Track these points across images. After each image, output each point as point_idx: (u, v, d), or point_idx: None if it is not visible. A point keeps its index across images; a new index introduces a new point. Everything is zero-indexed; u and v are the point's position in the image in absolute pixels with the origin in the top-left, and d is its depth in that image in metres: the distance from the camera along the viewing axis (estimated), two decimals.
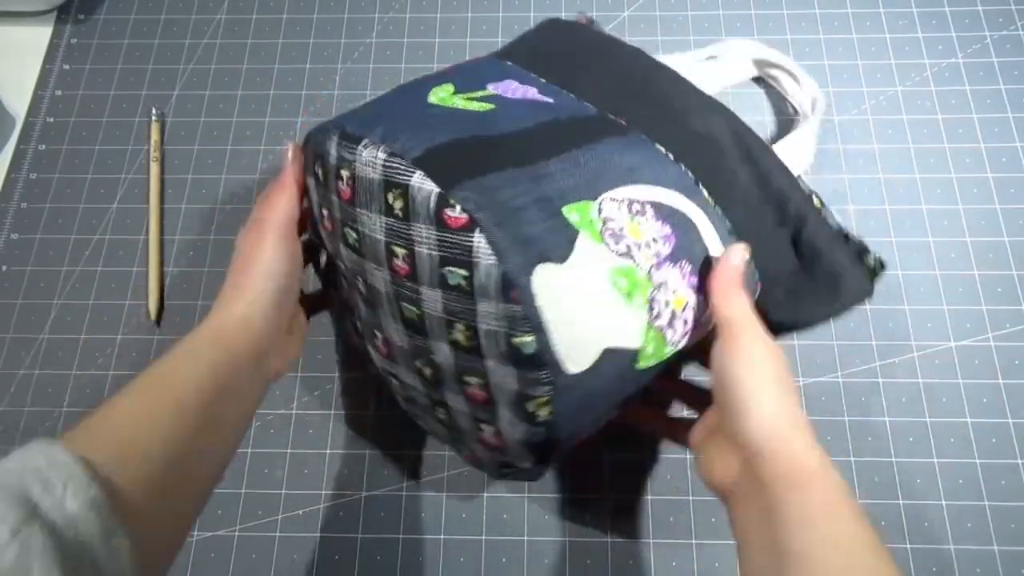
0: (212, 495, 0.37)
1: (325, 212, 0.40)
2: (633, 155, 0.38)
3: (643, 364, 0.36)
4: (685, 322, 0.37)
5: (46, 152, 0.62)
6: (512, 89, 0.41)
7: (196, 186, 0.60)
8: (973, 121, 0.59)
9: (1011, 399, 0.51)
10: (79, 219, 0.59)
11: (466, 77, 0.42)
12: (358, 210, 0.37)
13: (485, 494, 0.50)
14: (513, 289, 0.32)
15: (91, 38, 0.66)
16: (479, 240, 0.32)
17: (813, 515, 0.30)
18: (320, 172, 0.39)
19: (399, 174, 0.34)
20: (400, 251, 0.35)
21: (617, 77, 0.44)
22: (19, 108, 0.64)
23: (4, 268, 0.58)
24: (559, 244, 0.33)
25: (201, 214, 0.59)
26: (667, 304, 0.36)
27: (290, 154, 0.42)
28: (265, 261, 0.40)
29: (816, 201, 0.41)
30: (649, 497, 0.49)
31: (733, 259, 0.37)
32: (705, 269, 0.38)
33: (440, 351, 0.37)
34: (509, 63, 0.45)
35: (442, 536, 0.49)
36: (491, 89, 0.41)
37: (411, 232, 0.34)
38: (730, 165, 0.40)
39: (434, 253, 0.34)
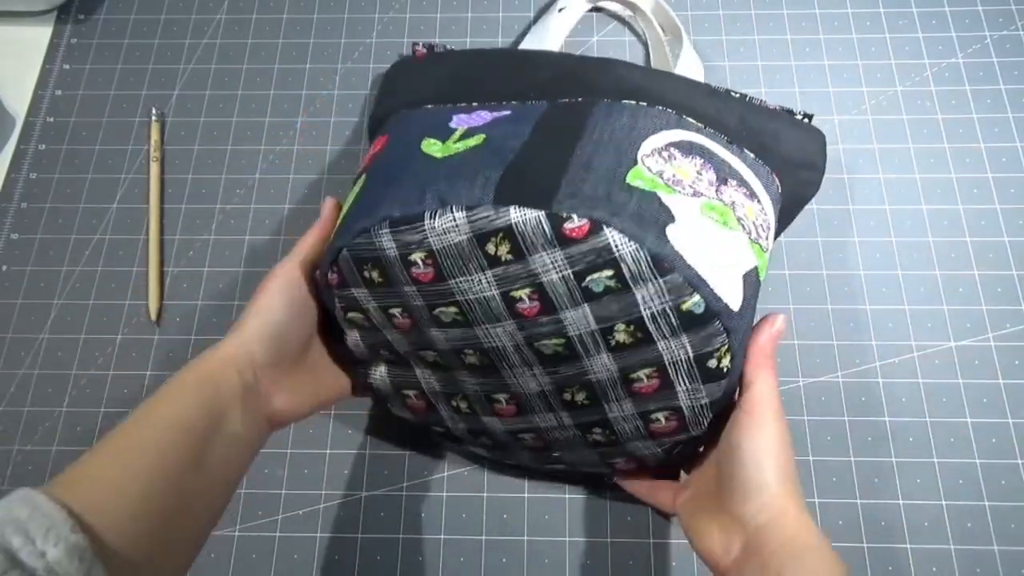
0: (207, 538, 0.36)
1: (396, 312, 0.38)
2: (619, 117, 0.39)
3: (762, 276, 0.39)
4: (765, 227, 0.39)
5: (46, 152, 0.62)
6: (475, 118, 0.41)
7: (196, 186, 0.60)
8: (973, 121, 0.59)
9: (1011, 399, 0.51)
10: (79, 219, 0.59)
11: (430, 129, 0.42)
12: (451, 282, 0.35)
13: (485, 494, 0.50)
14: (663, 261, 0.33)
15: (91, 38, 0.66)
16: (612, 235, 0.33)
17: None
18: (375, 275, 0.37)
19: (492, 220, 0.34)
20: (522, 292, 0.35)
21: (530, 76, 0.45)
22: (19, 108, 0.64)
23: (4, 268, 0.58)
24: (657, 209, 0.34)
25: (201, 214, 0.59)
26: (746, 217, 0.38)
27: (325, 211, 0.45)
28: (261, 302, 0.40)
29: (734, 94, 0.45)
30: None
31: (774, 326, 0.39)
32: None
33: (596, 366, 0.37)
34: (438, 107, 0.45)
35: (442, 536, 0.49)
36: (462, 126, 0.41)
37: (531, 267, 0.34)
38: (679, 95, 0.42)
39: (566, 273, 0.34)
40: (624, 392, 0.37)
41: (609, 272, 0.33)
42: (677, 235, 0.34)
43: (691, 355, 0.35)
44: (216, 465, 0.35)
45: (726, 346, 0.35)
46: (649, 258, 0.33)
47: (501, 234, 0.34)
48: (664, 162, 0.37)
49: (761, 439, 0.35)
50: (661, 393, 0.37)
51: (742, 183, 0.39)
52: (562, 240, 0.33)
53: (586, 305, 0.34)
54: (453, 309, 0.36)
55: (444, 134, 0.40)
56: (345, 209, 0.41)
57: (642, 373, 0.36)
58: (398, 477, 0.51)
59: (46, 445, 0.52)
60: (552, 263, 0.33)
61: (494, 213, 0.33)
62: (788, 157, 0.43)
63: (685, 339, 0.35)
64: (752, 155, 0.41)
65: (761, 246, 0.39)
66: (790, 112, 0.45)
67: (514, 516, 0.49)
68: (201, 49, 0.65)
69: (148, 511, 0.31)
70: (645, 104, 0.40)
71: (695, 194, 0.36)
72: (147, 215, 0.59)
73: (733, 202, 0.38)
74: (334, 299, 0.40)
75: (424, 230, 0.35)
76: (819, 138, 0.44)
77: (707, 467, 0.40)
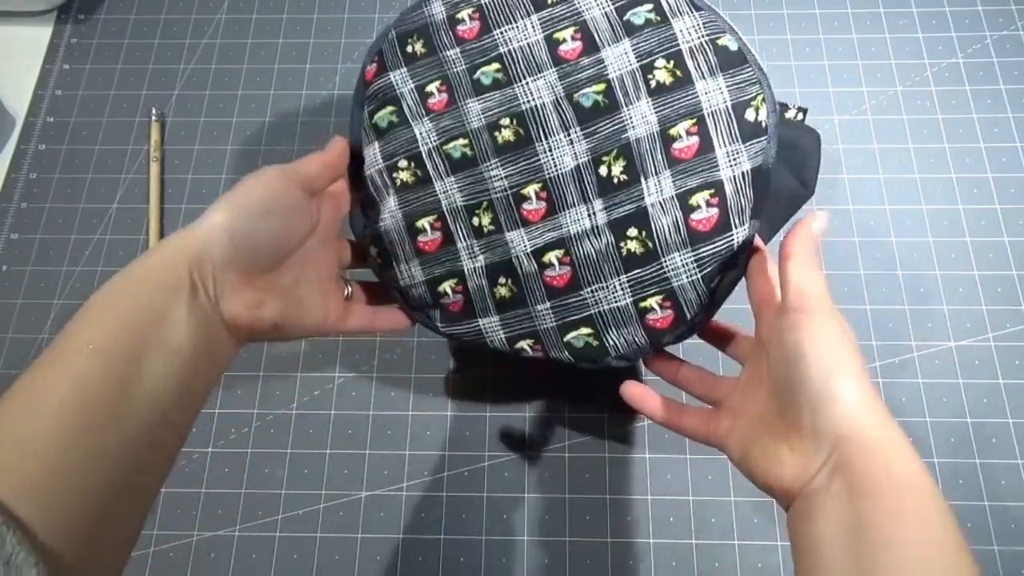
0: (153, 500, 0.32)
1: (433, 88, 0.40)
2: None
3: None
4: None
5: (46, 152, 0.62)
6: None
7: (196, 186, 0.60)
8: (973, 121, 0.59)
9: (1011, 399, 0.51)
10: (79, 219, 0.59)
11: None
12: (497, 32, 0.39)
13: (485, 494, 0.50)
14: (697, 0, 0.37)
15: (91, 38, 0.66)
16: None
17: (913, 512, 0.28)
18: (418, 47, 0.40)
19: None
20: (565, 33, 0.38)
21: None
22: (19, 108, 0.64)
23: (4, 268, 0.58)
24: None
25: (201, 214, 0.59)
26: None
27: (335, 146, 0.41)
28: (237, 194, 0.35)
29: None
30: (649, 497, 0.49)
31: (814, 225, 0.34)
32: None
33: (636, 118, 0.37)
34: None
35: (442, 536, 0.49)
36: None
37: (575, 6, 0.37)
38: None
39: (608, 8, 0.37)
40: (664, 159, 0.37)
41: (649, 6, 0.37)
42: None
43: (728, 102, 0.36)
44: (157, 388, 0.29)
45: (761, 95, 0.36)
46: None
47: None
48: None
49: (823, 337, 0.31)
50: (701, 159, 0.36)
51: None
52: None
53: (627, 40, 0.37)
54: (495, 66, 0.39)
55: None
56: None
57: (681, 128, 0.36)
58: (398, 477, 0.51)
59: None
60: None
61: None
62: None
63: (722, 80, 0.36)
64: None
65: None
66: (784, 106, 0.45)
67: (514, 516, 0.49)
68: (201, 49, 0.65)
69: (69, 471, 0.26)
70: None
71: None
72: (147, 215, 0.59)
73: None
74: (364, 102, 0.42)
75: None
76: (813, 135, 0.44)
77: (754, 385, 0.35)
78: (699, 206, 0.36)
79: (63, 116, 0.63)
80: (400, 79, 0.40)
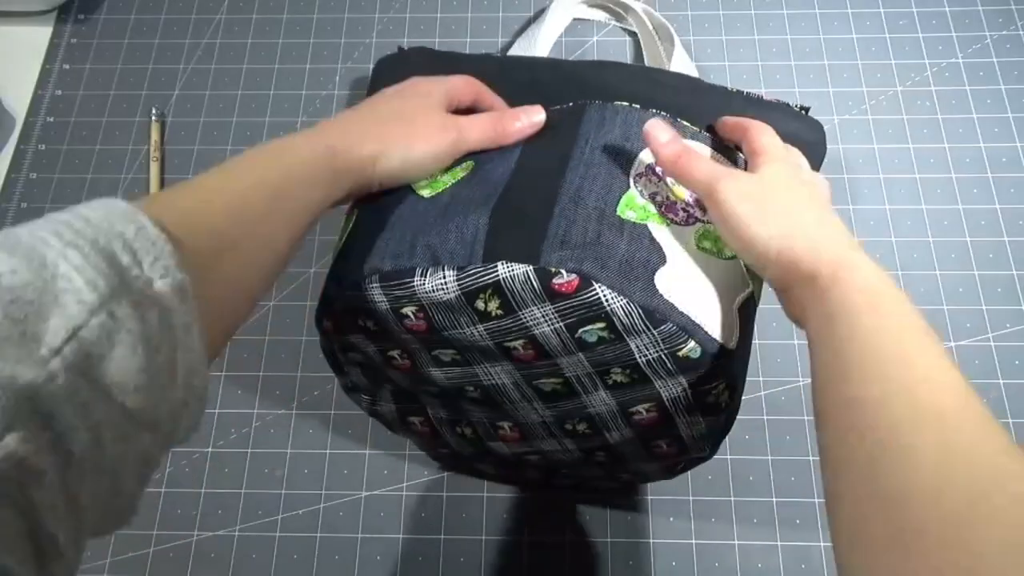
0: (269, 287, 0.36)
1: (395, 354, 0.38)
2: (611, 127, 0.38)
3: (758, 299, 0.38)
4: None
5: (46, 152, 0.62)
6: None
7: None
8: (973, 121, 0.59)
9: (1011, 399, 0.51)
10: None
11: None
12: (445, 333, 0.35)
13: (485, 494, 0.50)
14: (655, 313, 0.32)
15: (91, 38, 0.66)
16: (602, 290, 0.32)
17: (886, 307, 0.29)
18: (369, 324, 0.37)
19: (480, 278, 0.33)
20: (516, 343, 0.35)
21: (517, 77, 0.44)
22: (19, 108, 0.64)
23: None
24: (648, 249, 0.34)
25: None
26: None
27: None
28: (416, 149, 0.38)
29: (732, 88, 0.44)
30: (649, 497, 0.49)
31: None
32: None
33: (595, 402, 0.37)
34: None
35: (442, 536, 0.49)
36: None
37: (522, 321, 0.34)
38: (673, 94, 0.41)
39: (558, 325, 0.33)
40: (624, 423, 0.37)
41: (601, 324, 0.33)
42: (668, 280, 0.33)
43: (689, 393, 0.35)
44: (287, 222, 0.34)
45: (724, 384, 0.35)
46: (641, 311, 0.32)
47: (490, 290, 0.33)
48: (657, 181, 0.37)
49: (778, 175, 0.34)
50: (661, 425, 0.37)
51: None
52: (551, 295, 0.32)
53: (580, 353, 0.34)
54: (450, 352, 0.37)
55: None
56: (339, 242, 0.39)
57: (641, 408, 0.36)
58: (398, 477, 0.51)
59: None
60: (543, 316, 0.33)
61: (482, 270, 0.33)
62: None
63: (682, 379, 0.34)
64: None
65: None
66: (787, 105, 0.44)
67: (514, 516, 0.49)
68: (201, 49, 0.65)
69: (227, 244, 0.30)
70: (638, 107, 0.39)
71: (688, 220, 0.36)
72: None
73: None
74: (331, 343, 0.40)
75: (413, 287, 0.34)
76: (818, 128, 0.43)
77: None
78: (660, 446, 0.39)
79: (63, 116, 0.63)
80: (360, 341, 0.38)
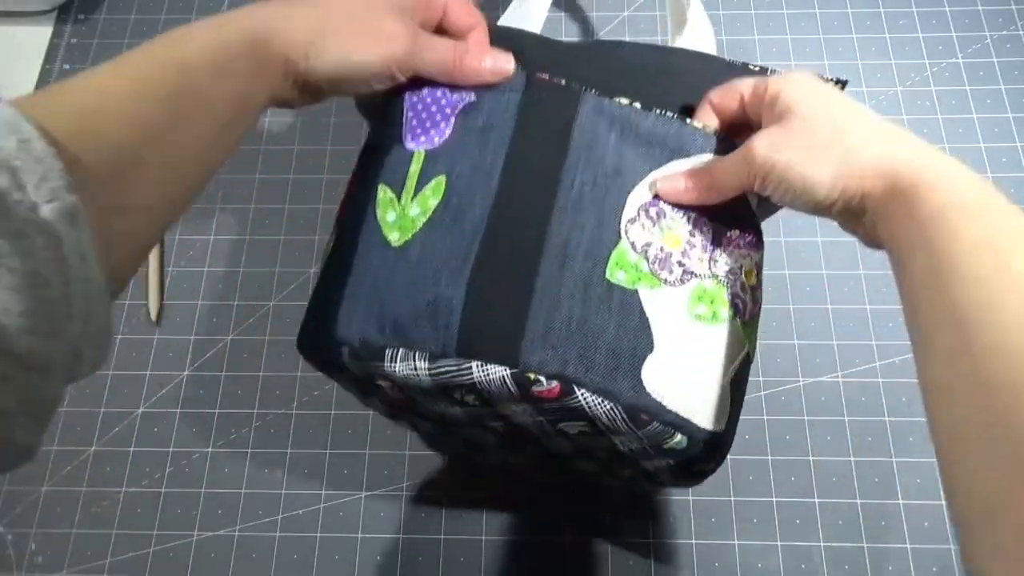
0: (188, 205, 0.31)
1: (383, 385, 0.35)
2: (604, 147, 0.33)
3: (753, 355, 0.35)
4: (760, 285, 0.35)
5: None
6: (435, 128, 0.35)
7: None
8: (973, 121, 0.59)
9: None
10: None
11: (389, 169, 0.35)
12: (422, 402, 0.34)
13: (485, 494, 0.50)
14: (641, 415, 0.30)
15: (91, 38, 0.66)
16: (584, 397, 0.30)
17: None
18: (349, 375, 0.35)
19: (453, 376, 0.30)
20: (497, 424, 0.34)
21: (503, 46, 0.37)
22: None
23: None
24: (637, 331, 0.31)
25: (201, 214, 0.59)
26: (743, 288, 0.33)
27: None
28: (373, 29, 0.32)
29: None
30: (649, 497, 0.49)
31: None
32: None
33: (581, 463, 0.38)
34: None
35: (442, 536, 0.49)
36: (419, 148, 0.35)
37: (500, 410, 0.32)
38: (684, 77, 0.36)
39: (540, 419, 0.32)
40: (613, 468, 0.39)
41: (583, 423, 0.31)
42: (657, 372, 0.31)
43: (673, 466, 0.34)
44: (217, 109, 0.30)
45: (713, 461, 0.33)
46: (624, 416, 0.30)
47: (465, 388, 0.31)
48: (651, 227, 0.33)
49: (820, 97, 0.30)
50: (649, 474, 0.37)
51: (741, 230, 0.34)
52: (531, 399, 0.30)
53: (562, 438, 0.34)
54: (436, 411, 0.36)
55: (400, 175, 0.35)
56: (320, 274, 0.36)
57: (626, 472, 0.37)
58: (398, 477, 0.51)
59: (46, 445, 0.52)
60: (523, 411, 0.32)
61: (455, 368, 0.30)
62: None
63: (668, 460, 0.33)
64: None
65: (757, 319, 0.35)
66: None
67: (514, 516, 0.49)
68: None
69: (126, 152, 0.26)
70: (638, 106, 0.34)
71: (683, 278, 0.32)
72: None
73: (728, 271, 0.33)
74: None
75: (383, 367, 0.31)
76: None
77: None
78: (655, 473, 0.38)
79: None
80: (345, 382, 0.37)
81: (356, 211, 0.35)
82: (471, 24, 0.36)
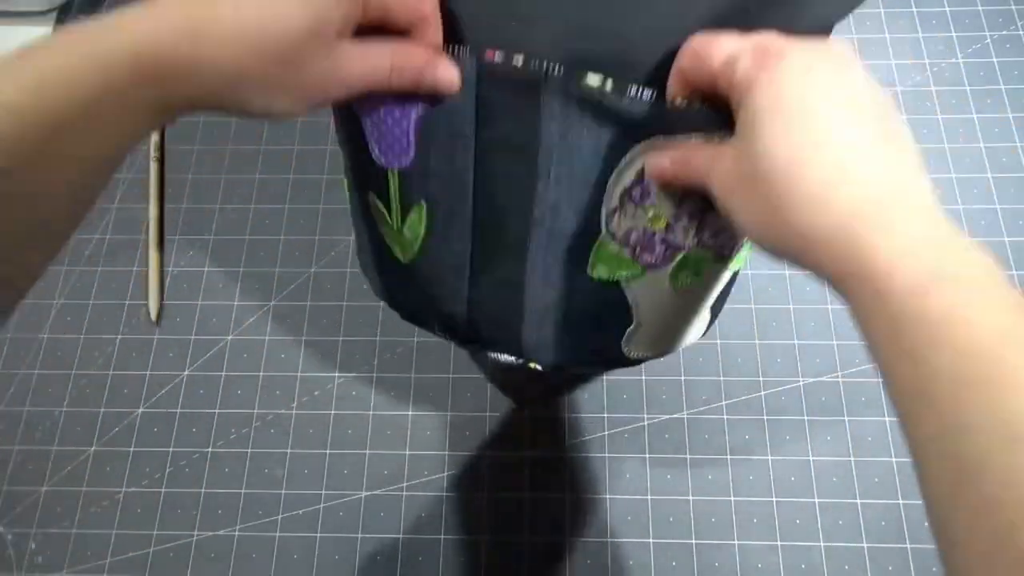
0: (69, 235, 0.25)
1: None
2: (578, 146, 0.29)
3: (744, 266, 0.37)
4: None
5: None
6: (395, 144, 0.31)
7: (196, 186, 0.60)
8: (973, 121, 0.59)
9: None
10: None
11: (372, 178, 0.33)
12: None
13: (485, 494, 0.50)
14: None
15: None
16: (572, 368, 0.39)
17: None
18: None
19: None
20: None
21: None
22: None
23: None
24: (620, 314, 0.33)
25: (201, 214, 0.59)
26: (731, 238, 0.31)
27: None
28: None
29: None
30: (649, 497, 0.49)
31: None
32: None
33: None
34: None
35: (442, 536, 0.49)
36: (392, 167, 0.32)
37: None
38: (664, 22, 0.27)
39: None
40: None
41: None
42: (638, 339, 0.34)
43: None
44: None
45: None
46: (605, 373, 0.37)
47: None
48: (634, 209, 0.30)
49: (797, 109, 0.21)
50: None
51: None
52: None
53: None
54: None
55: (384, 192, 0.33)
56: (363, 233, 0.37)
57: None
58: (398, 477, 0.51)
59: (46, 445, 0.52)
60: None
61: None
62: None
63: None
64: None
65: (742, 249, 0.33)
66: None
67: (514, 516, 0.49)
68: None
69: None
70: (611, 86, 0.27)
71: (666, 255, 0.31)
72: (147, 215, 0.59)
73: (714, 233, 0.31)
74: None
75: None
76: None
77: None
78: None
79: None
80: None
81: (359, 198, 0.36)
82: (421, 16, 0.27)
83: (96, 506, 0.51)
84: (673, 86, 0.26)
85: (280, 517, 0.50)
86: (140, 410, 0.53)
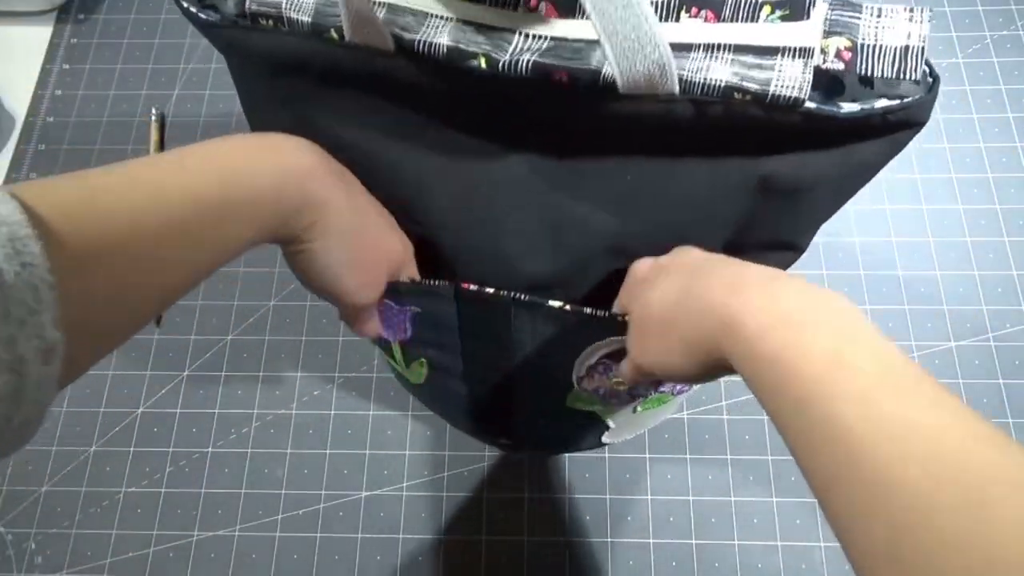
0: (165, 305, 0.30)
1: None
2: (546, 330, 0.35)
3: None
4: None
5: (46, 152, 0.62)
6: (396, 327, 0.38)
7: None
8: (973, 121, 0.59)
9: (1011, 399, 0.51)
10: None
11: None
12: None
13: (485, 494, 0.50)
14: None
15: (91, 38, 0.66)
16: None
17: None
18: None
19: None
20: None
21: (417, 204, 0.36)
22: (19, 108, 0.64)
23: None
24: (595, 426, 0.42)
25: None
26: (683, 389, 0.41)
27: None
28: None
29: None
30: (649, 497, 0.49)
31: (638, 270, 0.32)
32: None
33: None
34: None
35: (442, 536, 0.49)
36: (391, 338, 0.39)
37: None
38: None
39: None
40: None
41: None
42: (611, 434, 0.43)
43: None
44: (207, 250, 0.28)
45: None
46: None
47: None
48: (600, 376, 0.36)
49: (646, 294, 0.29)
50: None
51: None
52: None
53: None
54: None
55: (389, 349, 0.41)
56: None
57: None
58: (398, 477, 0.51)
59: (46, 445, 0.52)
60: None
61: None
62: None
63: None
64: None
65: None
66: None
67: (514, 516, 0.49)
68: (201, 49, 0.65)
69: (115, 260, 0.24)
70: (569, 308, 0.33)
71: (633, 396, 0.38)
72: None
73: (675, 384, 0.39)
74: None
75: None
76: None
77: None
78: None
79: (63, 116, 0.63)
80: None
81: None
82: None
83: (96, 506, 0.51)
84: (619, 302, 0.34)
85: (280, 517, 0.50)
86: (140, 410, 0.53)
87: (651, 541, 0.48)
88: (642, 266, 0.32)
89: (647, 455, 0.50)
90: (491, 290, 0.34)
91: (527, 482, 0.50)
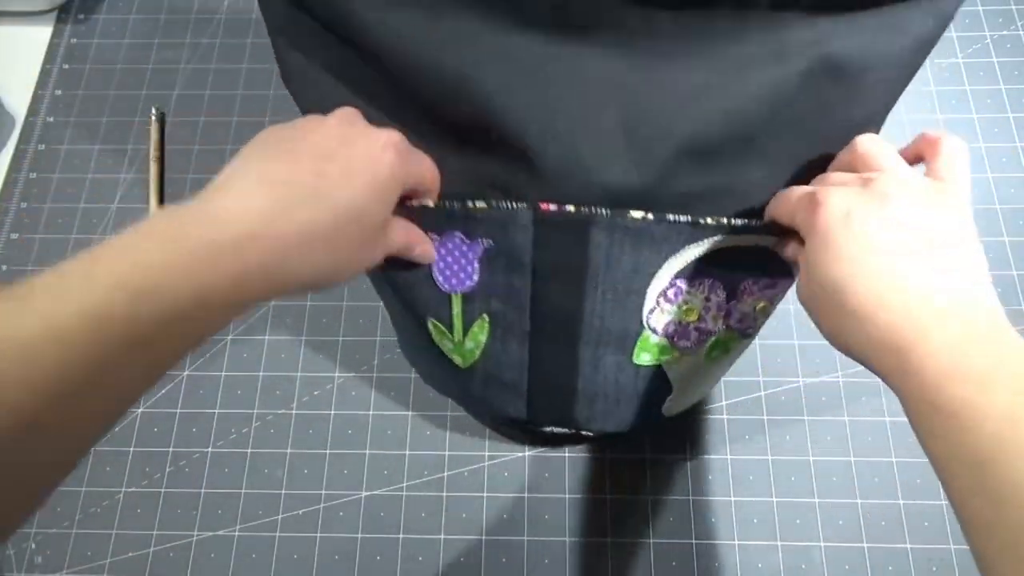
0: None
1: None
2: (620, 257, 0.35)
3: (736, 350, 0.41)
4: (775, 305, 0.38)
5: (46, 152, 0.62)
6: (460, 272, 0.37)
7: (196, 186, 0.60)
8: (973, 121, 0.59)
9: None
10: (79, 219, 0.59)
11: (433, 303, 0.38)
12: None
13: (485, 494, 0.50)
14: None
15: (91, 38, 0.66)
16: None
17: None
18: None
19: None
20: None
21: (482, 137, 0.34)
22: (19, 108, 0.64)
23: (4, 268, 0.58)
24: (660, 387, 0.39)
25: None
26: (755, 319, 0.38)
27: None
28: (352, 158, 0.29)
29: None
30: (649, 497, 0.49)
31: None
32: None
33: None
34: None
35: (442, 536, 0.49)
36: (453, 290, 0.37)
37: None
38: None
39: None
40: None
41: None
42: (672, 401, 0.40)
43: None
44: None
45: None
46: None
47: None
48: (670, 307, 0.36)
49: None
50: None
51: (758, 278, 0.36)
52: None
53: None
54: None
55: (446, 315, 0.38)
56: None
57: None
58: (398, 477, 0.51)
59: None
60: None
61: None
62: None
63: None
64: None
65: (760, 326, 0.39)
66: None
67: (514, 516, 0.49)
68: (201, 49, 0.65)
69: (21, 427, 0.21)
70: (651, 217, 0.33)
71: (700, 339, 0.37)
72: (147, 215, 0.59)
73: (741, 318, 0.37)
74: None
75: None
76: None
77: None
78: None
79: (63, 116, 0.63)
80: None
81: (412, 328, 0.40)
82: (434, 189, 0.35)
83: (96, 506, 0.51)
84: (766, 217, 0.34)
85: (280, 517, 0.50)
86: (140, 410, 0.53)
87: (651, 541, 0.48)
88: (838, 199, 0.29)
89: (647, 455, 0.50)
90: (572, 208, 0.33)
91: (527, 482, 0.50)
